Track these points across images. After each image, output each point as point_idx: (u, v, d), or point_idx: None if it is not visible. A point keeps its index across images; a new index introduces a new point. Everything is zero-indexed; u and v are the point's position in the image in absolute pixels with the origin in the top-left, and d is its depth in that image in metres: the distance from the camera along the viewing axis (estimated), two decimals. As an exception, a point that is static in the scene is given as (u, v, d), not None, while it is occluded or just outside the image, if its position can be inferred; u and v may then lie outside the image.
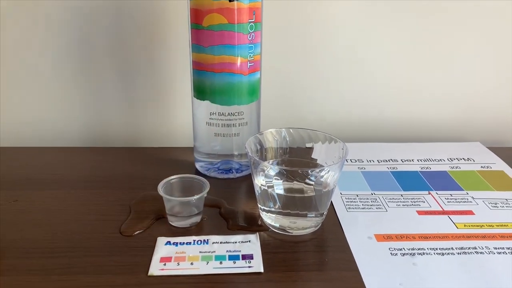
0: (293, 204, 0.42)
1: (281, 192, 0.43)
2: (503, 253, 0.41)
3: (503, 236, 0.44)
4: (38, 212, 0.47)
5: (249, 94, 0.51)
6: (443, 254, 0.41)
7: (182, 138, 0.66)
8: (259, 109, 0.55)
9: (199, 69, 0.50)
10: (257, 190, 0.44)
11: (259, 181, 0.43)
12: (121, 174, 0.55)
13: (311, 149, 0.48)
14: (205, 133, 0.53)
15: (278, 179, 0.43)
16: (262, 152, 0.48)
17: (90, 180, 0.54)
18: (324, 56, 0.65)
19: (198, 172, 0.55)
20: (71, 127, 0.67)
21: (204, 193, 0.44)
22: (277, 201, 0.42)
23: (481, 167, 0.58)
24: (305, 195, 0.43)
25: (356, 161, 0.59)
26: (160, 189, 0.44)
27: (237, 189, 0.52)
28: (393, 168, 0.58)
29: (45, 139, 0.66)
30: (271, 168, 0.44)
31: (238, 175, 0.54)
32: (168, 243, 0.42)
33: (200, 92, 0.51)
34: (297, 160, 0.49)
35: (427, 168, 0.58)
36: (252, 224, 0.45)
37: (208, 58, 0.49)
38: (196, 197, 0.44)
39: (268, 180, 0.43)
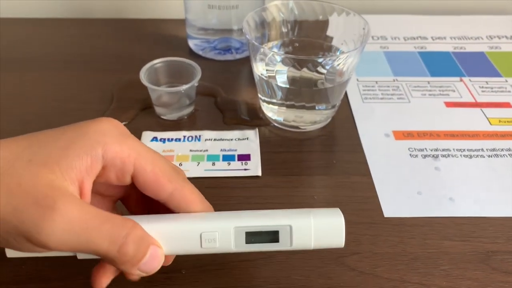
0: (299, 95, 0.36)
1: (284, 84, 0.36)
2: (542, 157, 0.36)
3: (544, 136, 0.38)
4: (8, 98, 0.41)
5: (250, -47, 0.41)
6: (470, 157, 0.36)
7: (174, 6, 0.56)
8: (264, -27, 0.44)
9: None
10: (256, 78, 0.37)
11: (258, 69, 0.36)
12: (103, 52, 0.48)
13: (325, 24, 0.40)
14: (198, 4, 0.44)
15: (282, 67, 0.35)
16: (264, 30, 0.39)
17: (68, 60, 0.47)
18: None
19: (191, 52, 0.47)
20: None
21: (195, 82, 0.37)
22: (279, 91, 0.36)
23: (527, 47, 0.49)
24: (315, 88, 0.36)
25: (378, 39, 0.50)
26: (143, 76, 0.37)
27: (237, 73, 0.45)
28: (421, 47, 0.49)
29: (14, 9, 0.57)
30: (274, 55, 0.36)
31: (238, 56, 0.46)
32: (155, 139, 0.37)
33: (189, -50, 0.41)
34: (307, 41, 0.40)
35: (461, 48, 0.49)
36: (252, 118, 0.39)
37: None
38: (185, 87, 0.37)
39: (270, 68, 0.35)
